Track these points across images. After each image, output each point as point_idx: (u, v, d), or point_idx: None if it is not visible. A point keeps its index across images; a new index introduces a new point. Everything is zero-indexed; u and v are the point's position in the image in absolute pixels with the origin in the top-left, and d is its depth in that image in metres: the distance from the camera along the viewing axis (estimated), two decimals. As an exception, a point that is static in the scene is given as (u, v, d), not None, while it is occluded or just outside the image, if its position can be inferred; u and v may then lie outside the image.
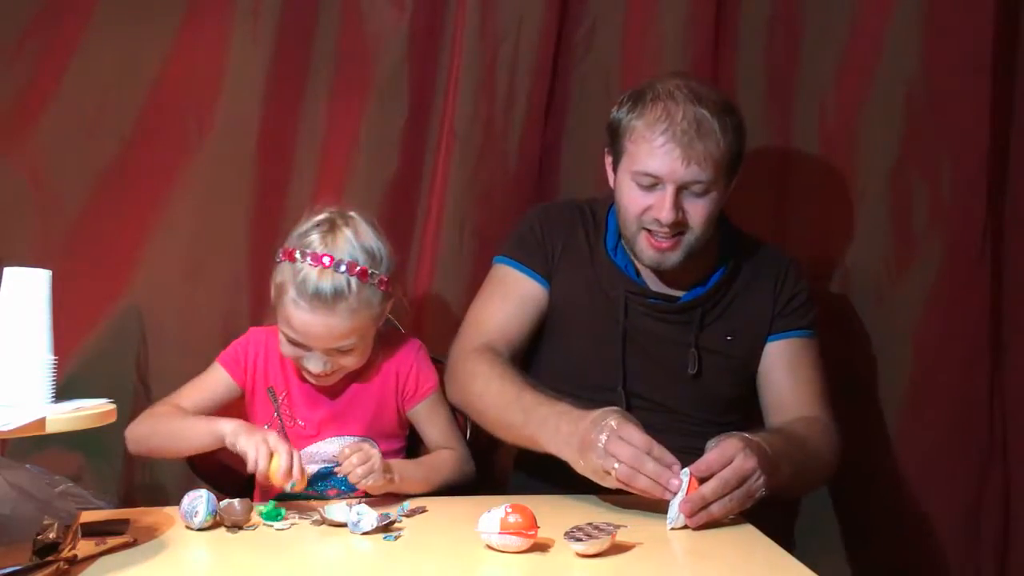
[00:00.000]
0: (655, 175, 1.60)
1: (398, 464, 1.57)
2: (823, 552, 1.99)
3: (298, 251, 1.55)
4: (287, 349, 1.60)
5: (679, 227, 1.63)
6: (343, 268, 1.53)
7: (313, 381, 1.65)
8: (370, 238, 1.58)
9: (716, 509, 1.42)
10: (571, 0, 2.03)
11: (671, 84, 1.63)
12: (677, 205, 1.60)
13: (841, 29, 2.09)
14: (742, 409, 1.78)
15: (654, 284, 1.75)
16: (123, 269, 1.92)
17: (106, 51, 1.90)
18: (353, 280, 1.53)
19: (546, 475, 1.64)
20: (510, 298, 1.77)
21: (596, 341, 1.74)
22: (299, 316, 1.53)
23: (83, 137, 1.90)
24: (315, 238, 1.56)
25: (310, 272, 1.52)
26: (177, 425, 1.57)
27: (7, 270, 1.28)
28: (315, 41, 1.97)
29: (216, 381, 1.67)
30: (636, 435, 1.42)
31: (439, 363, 1.89)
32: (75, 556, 1.18)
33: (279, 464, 1.43)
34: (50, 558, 1.14)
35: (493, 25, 1.98)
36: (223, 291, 1.95)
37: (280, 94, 1.95)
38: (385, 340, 1.71)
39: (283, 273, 1.56)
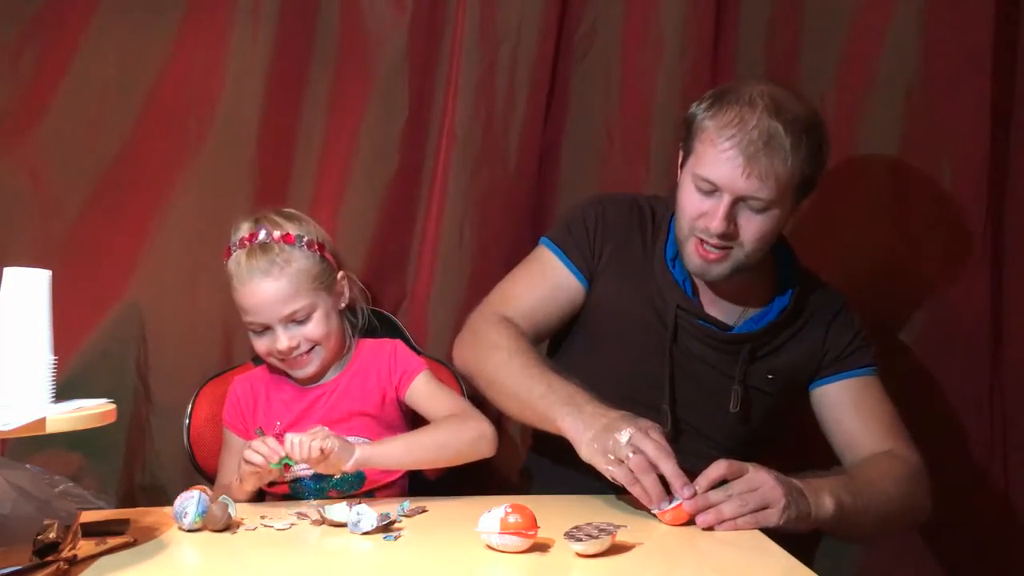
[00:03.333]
0: (714, 182, 1.54)
1: (367, 446, 1.56)
2: (825, 556, 1.98)
3: (232, 246, 1.69)
4: (258, 345, 1.68)
5: (728, 239, 1.57)
6: (266, 237, 1.67)
7: (297, 373, 1.69)
8: (291, 218, 1.72)
9: (727, 508, 1.42)
10: (571, 0, 2.03)
11: (755, 90, 1.55)
12: (730, 217, 1.54)
13: (841, 29, 2.09)
14: (775, 444, 1.77)
15: (709, 306, 1.69)
16: (123, 269, 1.92)
17: (106, 51, 1.90)
18: (279, 244, 1.66)
19: (563, 457, 1.60)
20: (544, 283, 1.73)
21: (639, 351, 1.69)
22: (245, 292, 1.65)
23: (83, 137, 1.90)
24: (242, 228, 1.70)
25: (242, 252, 1.66)
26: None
27: (7, 270, 1.28)
28: (315, 41, 1.97)
29: (233, 447, 1.72)
30: (664, 442, 1.45)
31: (440, 364, 1.89)
32: (75, 556, 1.19)
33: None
34: (50, 558, 1.15)
35: (493, 25, 1.98)
36: (223, 291, 1.93)
37: (280, 94, 1.95)
38: (366, 344, 1.77)
39: (228, 272, 1.68)
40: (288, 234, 1.68)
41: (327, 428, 1.53)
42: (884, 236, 2.11)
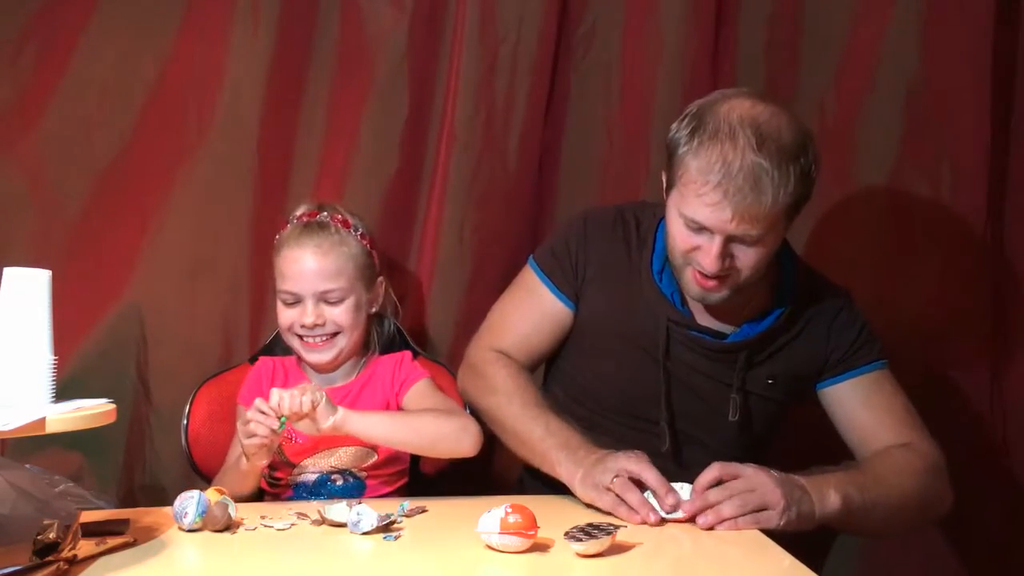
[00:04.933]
0: (702, 224, 1.50)
1: (350, 411, 1.55)
2: (826, 557, 1.98)
3: (290, 221, 1.76)
4: (284, 316, 1.70)
5: (726, 272, 1.53)
6: (326, 218, 1.73)
7: (311, 356, 1.70)
8: (352, 213, 1.78)
9: (726, 509, 1.42)
10: (571, 0, 2.03)
11: (735, 116, 1.47)
12: (724, 254, 1.50)
13: (841, 29, 2.09)
14: (776, 441, 1.77)
15: (701, 316, 1.66)
16: (123, 269, 1.92)
17: (106, 51, 1.89)
18: (336, 225, 1.73)
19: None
20: (533, 311, 1.74)
21: (632, 367, 1.68)
22: (291, 257, 1.69)
23: (83, 137, 1.90)
24: (303, 207, 1.78)
25: (300, 225, 1.73)
26: (226, 481, 1.59)
27: (7, 270, 1.28)
28: (315, 41, 1.97)
29: None
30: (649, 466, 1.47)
31: (440, 364, 1.89)
32: (75, 556, 1.18)
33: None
34: (50, 558, 1.14)
35: (493, 25, 1.97)
36: (223, 291, 1.95)
37: (280, 94, 1.95)
38: (382, 359, 1.78)
39: (278, 241, 1.74)
40: (347, 220, 1.74)
41: (313, 384, 1.53)
42: (884, 236, 2.11)
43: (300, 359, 1.76)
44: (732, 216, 1.46)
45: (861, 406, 1.68)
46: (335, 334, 1.69)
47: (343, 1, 1.97)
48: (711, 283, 1.55)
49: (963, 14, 2.07)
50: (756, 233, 1.49)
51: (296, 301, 1.69)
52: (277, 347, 1.88)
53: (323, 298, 1.68)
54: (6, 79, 1.87)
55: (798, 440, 1.80)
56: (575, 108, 2.06)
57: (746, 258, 1.53)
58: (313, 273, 1.67)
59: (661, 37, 2.02)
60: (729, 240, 1.50)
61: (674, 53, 2.02)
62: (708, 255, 1.51)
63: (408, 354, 1.78)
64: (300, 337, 1.70)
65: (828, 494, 1.48)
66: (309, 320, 1.67)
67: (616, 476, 1.46)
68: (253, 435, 1.49)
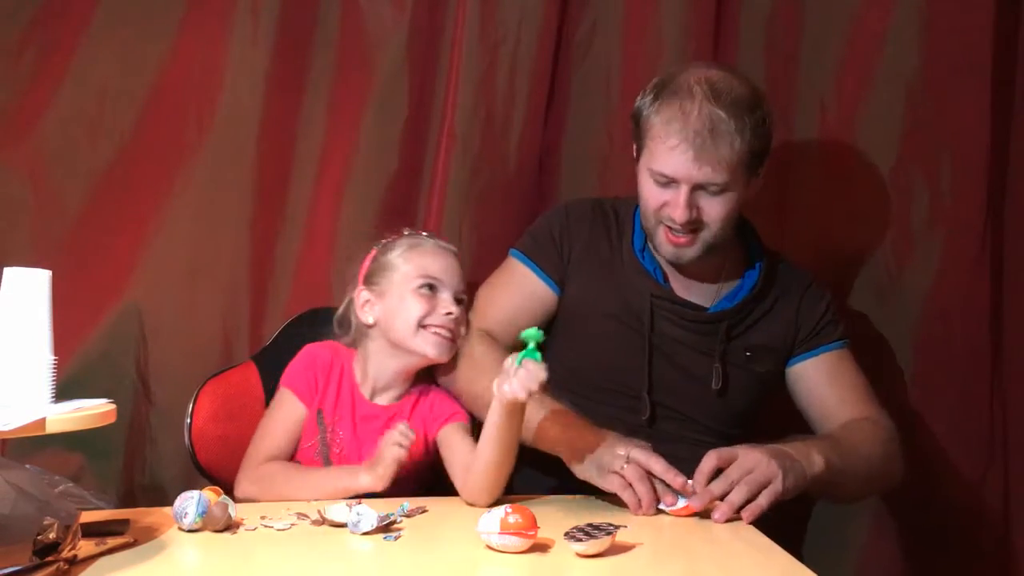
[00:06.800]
0: (668, 175, 1.60)
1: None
2: (825, 556, 1.98)
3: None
4: (418, 307, 1.66)
5: (695, 225, 1.63)
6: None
7: (429, 347, 1.66)
8: None
9: (736, 497, 1.44)
10: (571, 0, 2.03)
11: (692, 78, 1.61)
12: (691, 204, 1.61)
13: (841, 29, 2.09)
14: (756, 421, 1.80)
15: (681, 290, 1.74)
16: (123, 269, 1.92)
17: (106, 51, 1.90)
18: None
19: (553, 471, 1.63)
20: (518, 292, 1.78)
21: (617, 344, 1.73)
22: (437, 253, 1.71)
23: (83, 137, 1.90)
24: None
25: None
26: (297, 485, 1.58)
27: (7, 270, 1.28)
28: (315, 41, 1.97)
29: (289, 413, 1.68)
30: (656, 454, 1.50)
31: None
32: (75, 556, 1.18)
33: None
34: (50, 558, 1.14)
35: (493, 25, 1.98)
36: (223, 291, 1.95)
37: (280, 94, 1.95)
38: (429, 387, 1.74)
39: (404, 242, 1.73)
40: None
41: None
42: (884, 236, 2.11)
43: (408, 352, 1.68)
44: (694, 160, 1.57)
45: (826, 383, 1.76)
46: (457, 330, 1.69)
47: (343, 1, 1.97)
48: (683, 239, 1.64)
49: (963, 14, 2.07)
50: (719, 180, 1.59)
51: (434, 291, 1.67)
52: (281, 345, 1.87)
53: (460, 292, 1.70)
54: (7, 79, 1.88)
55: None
56: (575, 108, 2.07)
57: (712, 210, 1.62)
58: (457, 273, 1.70)
59: (661, 37, 2.03)
60: (695, 189, 1.60)
61: (674, 53, 2.02)
62: (677, 206, 1.61)
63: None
64: (433, 331, 1.66)
65: (813, 456, 1.54)
66: (450, 308, 1.66)
67: (627, 463, 1.48)
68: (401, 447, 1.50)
